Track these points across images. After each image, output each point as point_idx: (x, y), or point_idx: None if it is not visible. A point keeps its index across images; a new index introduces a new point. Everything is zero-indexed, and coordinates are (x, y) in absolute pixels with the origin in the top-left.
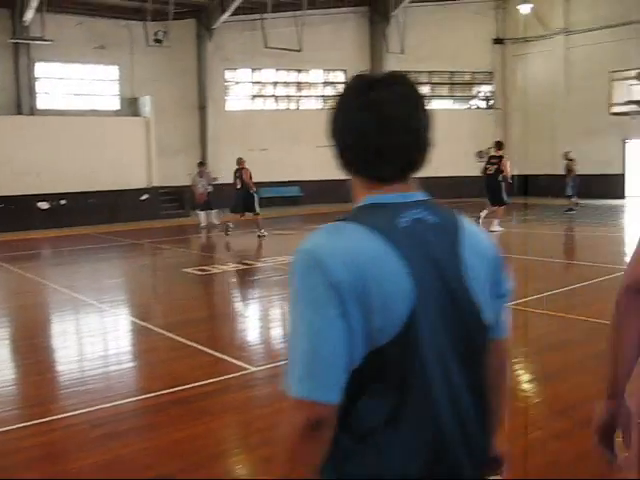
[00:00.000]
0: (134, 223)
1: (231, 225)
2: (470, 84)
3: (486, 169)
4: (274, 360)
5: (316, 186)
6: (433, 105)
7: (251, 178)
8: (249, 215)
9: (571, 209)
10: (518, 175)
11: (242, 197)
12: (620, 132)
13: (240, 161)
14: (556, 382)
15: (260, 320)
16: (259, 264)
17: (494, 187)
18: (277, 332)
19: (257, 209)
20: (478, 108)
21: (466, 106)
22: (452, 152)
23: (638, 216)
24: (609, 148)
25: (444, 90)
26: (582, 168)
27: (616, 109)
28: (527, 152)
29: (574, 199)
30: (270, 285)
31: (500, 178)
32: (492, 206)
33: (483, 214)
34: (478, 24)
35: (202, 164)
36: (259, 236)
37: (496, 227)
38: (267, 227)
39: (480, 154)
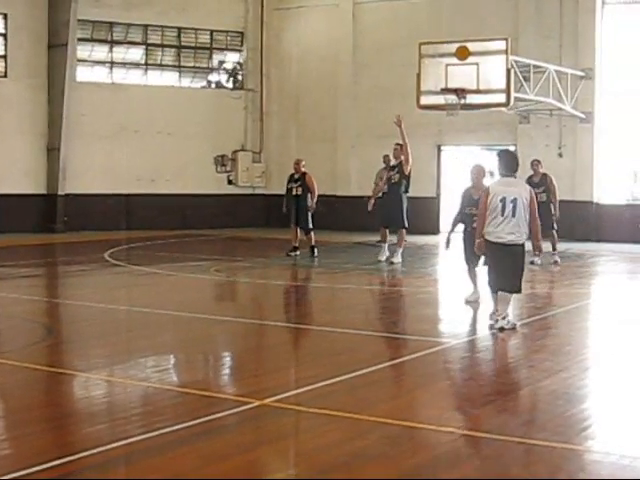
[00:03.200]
0: None
1: None
2: (208, 50)
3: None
4: None
5: None
6: (150, 79)
7: None
8: None
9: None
10: (277, 195)
11: None
12: (433, 134)
13: None
14: None
15: None
16: None
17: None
18: None
19: None
20: (219, 87)
21: (201, 83)
22: (179, 155)
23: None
24: (418, 158)
25: (167, 57)
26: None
27: (427, 100)
28: (293, 159)
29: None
30: None
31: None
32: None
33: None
34: None
35: None
36: None
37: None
38: None
39: (222, 160)
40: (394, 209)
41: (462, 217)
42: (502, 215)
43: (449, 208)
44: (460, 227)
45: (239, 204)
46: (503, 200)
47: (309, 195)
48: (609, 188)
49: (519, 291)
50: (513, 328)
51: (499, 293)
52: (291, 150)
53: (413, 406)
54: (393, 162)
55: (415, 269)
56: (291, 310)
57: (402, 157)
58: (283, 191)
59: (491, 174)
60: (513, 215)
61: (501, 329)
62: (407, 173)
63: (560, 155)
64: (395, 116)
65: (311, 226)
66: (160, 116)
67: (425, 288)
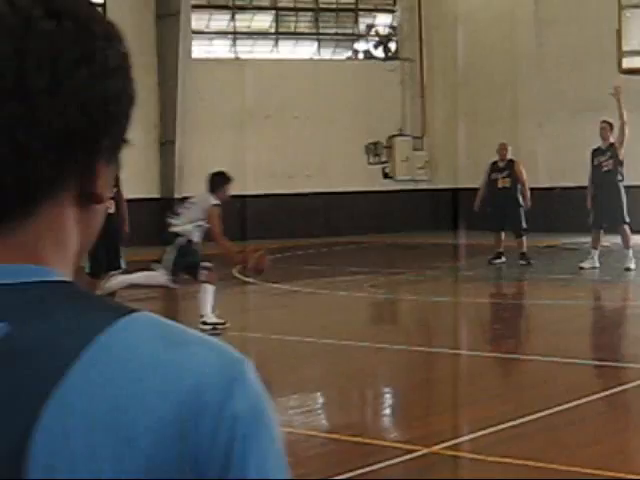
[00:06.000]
0: None
1: None
2: (352, 12)
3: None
4: None
5: None
6: (282, 52)
7: None
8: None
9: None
10: (445, 189)
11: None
12: None
13: None
14: None
15: None
16: None
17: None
18: None
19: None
20: (369, 58)
21: (346, 54)
22: (322, 144)
23: None
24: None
25: (303, 23)
26: (566, 176)
27: (632, 62)
28: (464, 145)
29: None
30: None
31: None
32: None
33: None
34: None
35: None
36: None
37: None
38: None
39: (375, 149)
40: (612, 203)
41: None
42: None
43: None
44: None
45: (398, 202)
46: None
47: (519, 188)
48: None
49: None
50: None
51: None
52: (461, 133)
53: (624, 452)
54: (602, 145)
55: (617, 277)
56: (468, 334)
57: (611, 138)
58: (452, 184)
59: None
60: None
61: None
62: (622, 158)
63: None
64: (613, 87)
65: (525, 226)
66: (296, 97)
67: (632, 302)
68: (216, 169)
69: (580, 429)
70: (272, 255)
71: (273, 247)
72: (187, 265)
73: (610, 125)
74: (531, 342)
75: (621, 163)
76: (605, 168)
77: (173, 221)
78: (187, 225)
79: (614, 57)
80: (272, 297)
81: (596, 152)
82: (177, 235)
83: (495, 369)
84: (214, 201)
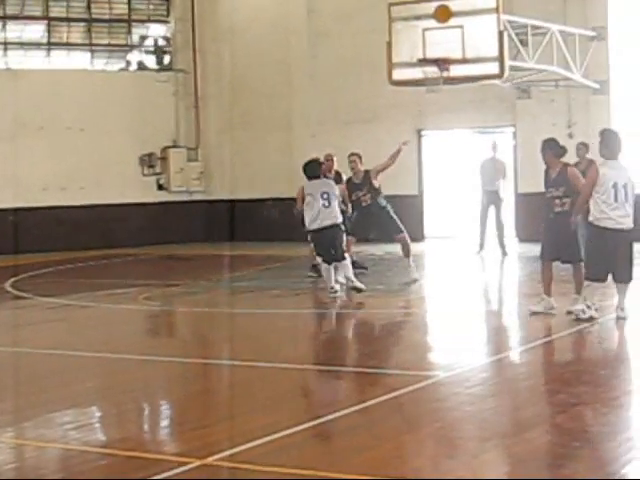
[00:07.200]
0: None
1: None
2: (125, 23)
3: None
4: None
5: None
6: (54, 62)
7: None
8: None
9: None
10: (220, 200)
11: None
12: (411, 116)
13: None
14: None
15: None
16: None
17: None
18: None
19: None
20: (142, 69)
21: (120, 65)
22: (95, 156)
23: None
24: (394, 147)
25: (75, 33)
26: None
27: (402, 74)
28: (238, 157)
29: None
30: None
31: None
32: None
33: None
34: None
35: None
36: None
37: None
38: None
39: (150, 160)
40: (382, 224)
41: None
42: (615, 201)
43: (436, 209)
44: None
45: (173, 214)
46: (615, 186)
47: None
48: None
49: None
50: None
51: (618, 285)
52: (236, 143)
53: (396, 456)
54: (354, 178)
55: (394, 286)
56: (243, 344)
57: (362, 168)
58: (227, 195)
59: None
60: (626, 201)
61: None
62: (378, 186)
63: (570, 136)
64: (400, 143)
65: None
66: (69, 108)
67: (407, 309)
68: None
69: (353, 436)
70: (46, 269)
71: (47, 260)
72: None
73: (359, 157)
74: (305, 351)
75: (379, 192)
76: (364, 203)
77: None
78: None
79: (384, 69)
80: (45, 311)
81: (350, 184)
82: None
83: (269, 378)
84: None
